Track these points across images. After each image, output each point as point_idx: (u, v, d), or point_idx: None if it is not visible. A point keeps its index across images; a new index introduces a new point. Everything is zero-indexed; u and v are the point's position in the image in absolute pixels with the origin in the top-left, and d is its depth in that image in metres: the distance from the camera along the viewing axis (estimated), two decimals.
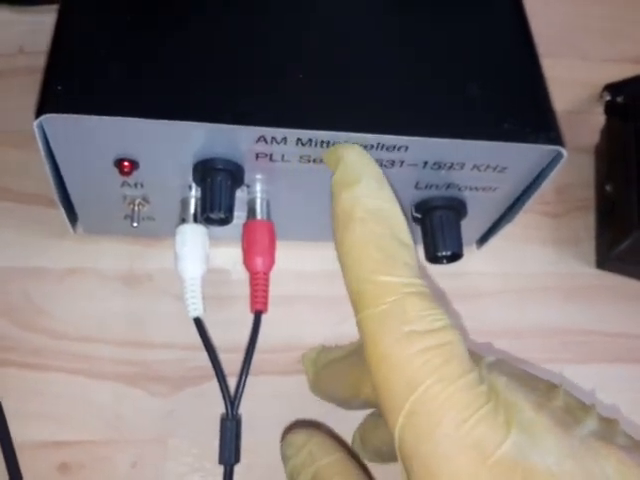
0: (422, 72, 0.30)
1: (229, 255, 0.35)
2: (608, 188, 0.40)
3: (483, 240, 0.37)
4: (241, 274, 0.32)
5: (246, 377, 0.28)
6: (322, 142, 0.27)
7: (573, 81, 0.45)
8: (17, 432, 0.30)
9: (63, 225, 0.33)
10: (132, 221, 0.31)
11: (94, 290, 0.34)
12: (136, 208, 0.31)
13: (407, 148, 0.28)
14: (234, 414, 0.28)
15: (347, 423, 0.32)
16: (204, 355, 0.30)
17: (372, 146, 0.28)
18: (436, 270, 0.34)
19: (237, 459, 0.28)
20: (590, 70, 0.46)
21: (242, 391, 0.28)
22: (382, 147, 0.28)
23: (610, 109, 0.42)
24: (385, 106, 0.28)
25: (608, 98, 0.42)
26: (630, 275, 0.39)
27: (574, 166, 0.42)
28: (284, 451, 0.29)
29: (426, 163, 0.29)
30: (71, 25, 0.27)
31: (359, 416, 0.32)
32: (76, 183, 0.30)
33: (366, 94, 0.28)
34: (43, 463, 0.30)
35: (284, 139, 0.27)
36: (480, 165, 0.30)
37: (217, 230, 0.31)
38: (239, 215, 0.32)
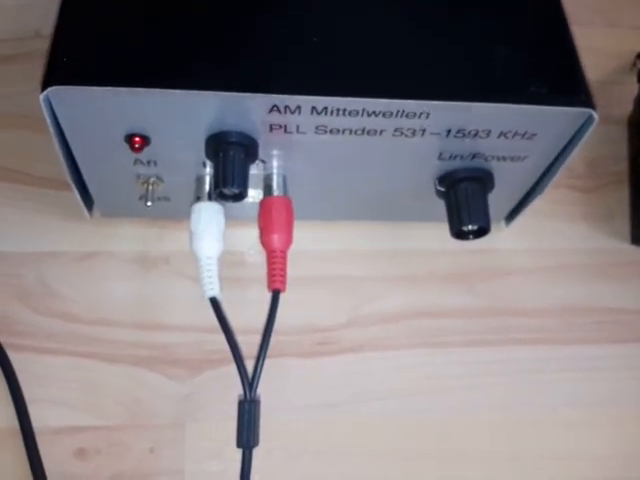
0: (445, 36, 0.28)
1: (247, 236, 0.34)
2: None
3: (512, 216, 0.35)
4: (259, 256, 0.31)
5: (264, 358, 0.27)
6: (338, 110, 0.26)
7: (604, 50, 0.43)
8: (34, 417, 0.30)
9: (80, 209, 0.32)
10: (146, 201, 0.30)
11: (111, 273, 0.33)
12: (150, 187, 0.30)
13: (428, 115, 0.27)
14: (252, 396, 0.27)
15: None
16: (222, 338, 0.29)
17: (391, 113, 0.26)
18: (464, 247, 0.33)
19: (256, 442, 0.27)
20: (621, 38, 0.44)
21: (260, 372, 0.27)
22: (402, 114, 0.27)
23: None
24: (404, 71, 0.27)
25: None
26: None
27: (606, 138, 0.41)
28: None
29: (449, 131, 0.28)
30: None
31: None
32: (88, 162, 0.29)
33: (384, 59, 0.27)
34: (60, 448, 0.29)
35: (298, 108, 0.26)
36: (507, 132, 0.28)
37: (235, 210, 0.30)
38: (257, 194, 0.31)
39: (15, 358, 0.31)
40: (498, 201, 0.32)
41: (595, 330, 0.35)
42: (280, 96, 0.25)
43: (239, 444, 0.27)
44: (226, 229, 0.30)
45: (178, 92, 0.25)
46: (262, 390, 0.28)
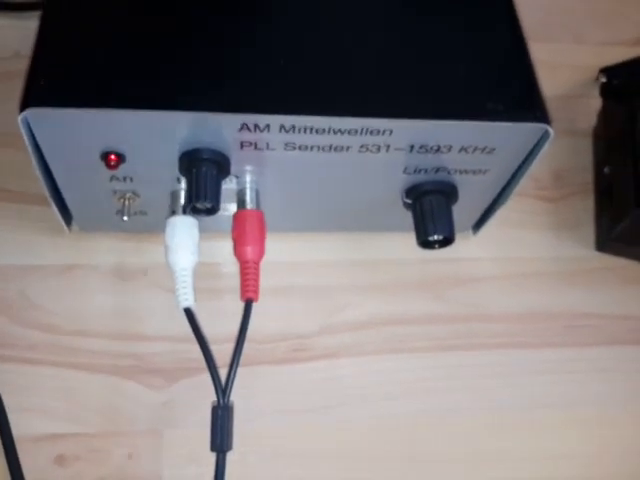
0: (406, 56, 0.30)
1: (221, 248, 0.35)
2: (606, 170, 0.40)
3: (479, 225, 0.37)
4: (232, 266, 0.32)
5: (237, 364, 0.28)
6: (306, 128, 0.27)
7: (568, 65, 0.45)
8: (14, 425, 0.30)
9: (59, 223, 0.33)
10: (122, 215, 0.31)
11: (90, 286, 0.34)
12: (127, 202, 0.31)
13: (392, 132, 0.28)
14: (225, 402, 0.28)
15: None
16: (197, 347, 0.30)
17: (356, 131, 0.28)
18: (433, 256, 0.34)
19: (229, 446, 0.28)
20: (585, 53, 0.45)
21: (233, 379, 0.28)
22: (367, 131, 0.28)
23: (606, 92, 0.42)
24: (368, 90, 0.28)
25: (604, 80, 0.42)
26: (630, 257, 0.39)
27: (572, 150, 0.42)
28: None
29: (412, 147, 0.29)
30: (55, 20, 0.28)
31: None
32: (65, 179, 0.30)
33: (349, 78, 0.28)
34: (40, 455, 0.30)
35: (267, 126, 0.27)
36: (467, 147, 0.29)
37: (209, 223, 0.31)
38: (230, 208, 0.32)
39: None
40: (463, 211, 0.34)
41: (562, 335, 0.36)
42: (249, 115, 0.26)
43: (213, 448, 0.28)
44: (202, 241, 0.31)
45: (152, 113, 0.26)
46: (237, 396, 0.29)
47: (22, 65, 0.41)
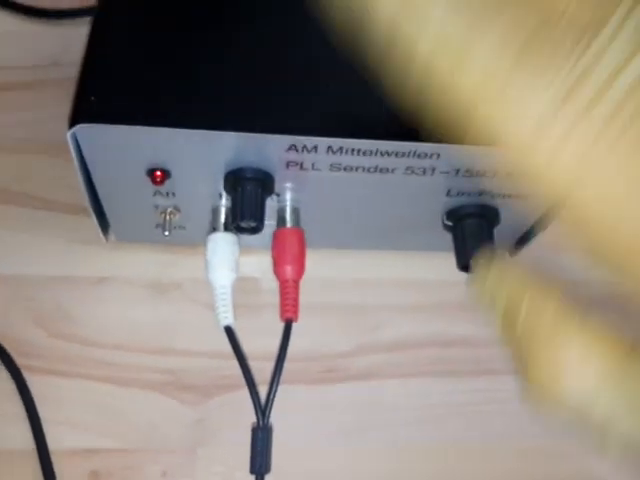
0: None
1: (259, 263, 0.35)
2: None
3: (516, 248, 0.36)
4: (271, 282, 0.32)
5: (277, 386, 0.28)
6: (353, 150, 0.27)
7: None
8: (48, 439, 0.30)
9: (95, 233, 0.33)
10: (164, 230, 0.31)
11: (125, 298, 0.34)
12: (168, 217, 0.31)
13: (439, 155, 0.28)
14: (265, 423, 0.28)
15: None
16: (234, 363, 0.30)
17: (403, 154, 0.28)
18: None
19: (268, 469, 0.28)
20: None
21: (273, 400, 0.28)
22: (414, 154, 0.28)
23: None
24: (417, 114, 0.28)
25: None
26: None
27: None
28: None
29: (458, 171, 0.29)
30: (104, 36, 0.28)
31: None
32: (108, 192, 0.30)
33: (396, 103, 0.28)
34: (74, 470, 0.30)
35: (315, 147, 0.27)
36: (512, 172, 0.29)
37: (249, 239, 0.31)
38: (269, 224, 0.32)
39: (31, 380, 0.32)
40: (503, 234, 0.33)
41: None
42: (299, 137, 0.26)
43: (252, 470, 0.28)
44: (241, 255, 0.31)
45: (200, 132, 0.26)
46: (273, 416, 0.29)
47: (58, 74, 0.41)
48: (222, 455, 0.31)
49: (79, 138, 0.26)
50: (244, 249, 0.32)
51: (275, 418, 0.29)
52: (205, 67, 0.28)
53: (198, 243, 0.33)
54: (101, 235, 0.33)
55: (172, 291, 0.35)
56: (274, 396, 0.28)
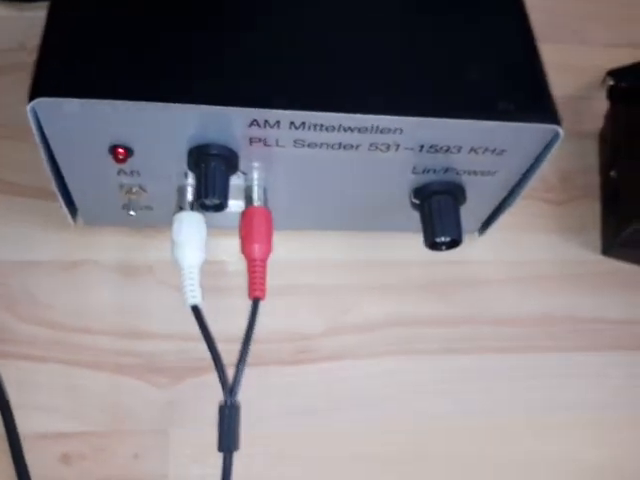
0: (418, 55, 0.29)
1: (228, 246, 0.34)
2: (612, 174, 0.40)
3: (485, 227, 0.37)
4: (240, 265, 0.32)
5: (244, 363, 0.28)
6: (316, 125, 0.27)
7: (576, 66, 0.44)
8: (18, 423, 0.30)
9: (63, 218, 0.33)
10: (129, 209, 0.31)
11: (94, 282, 0.34)
12: (133, 197, 0.31)
13: (402, 130, 0.28)
14: (232, 401, 0.28)
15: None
16: (204, 346, 0.30)
17: (366, 129, 0.28)
18: (439, 258, 0.34)
19: (236, 446, 0.28)
20: (592, 55, 0.45)
21: (240, 378, 0.28)
22: (377, 130, 0.28)
23: (614, 94, 0.42)
24: (380, 88, 0.28)
25: (611, 83, 0.42)
26: (636, 262, 0.39)
27: (578, 152, 0.42)
28: None
29: (422, 146, 0.29)
30: (64, 10, 0.27)
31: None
32: (72, 172, 0.30)
33: (361, 76, 0.28)
34: (44, 454, 0.30)
35: (277, 122, 0.27)
36: (477, 148, 0.29)
37: (215, 219, 0.31)
38: (237, 204, 0.32)
39: (0, 365, 0.31)
40: (471, 213, 0.33)
41: (568, 339, 0.36)
42: (260, 110, 0.26)
43: (220, 448, 0.27)
44: (209, 238, 0.31)
45: (160, 105, 0.26)
46: (243, 397, 0.29)
47: (27, 57, 0.41)
48: (193, 436, 0.31)
49: (39, 113, 0.26)
50: (213, 231, 0.32)
51: (247, 399, 0.29)
52: (167, 41, 0.27)
53: (167, 225, 0.32)
54: (69, 219, 0.33)
55: (142, 274, 0.35)
56: (241, 374, 0.28)
